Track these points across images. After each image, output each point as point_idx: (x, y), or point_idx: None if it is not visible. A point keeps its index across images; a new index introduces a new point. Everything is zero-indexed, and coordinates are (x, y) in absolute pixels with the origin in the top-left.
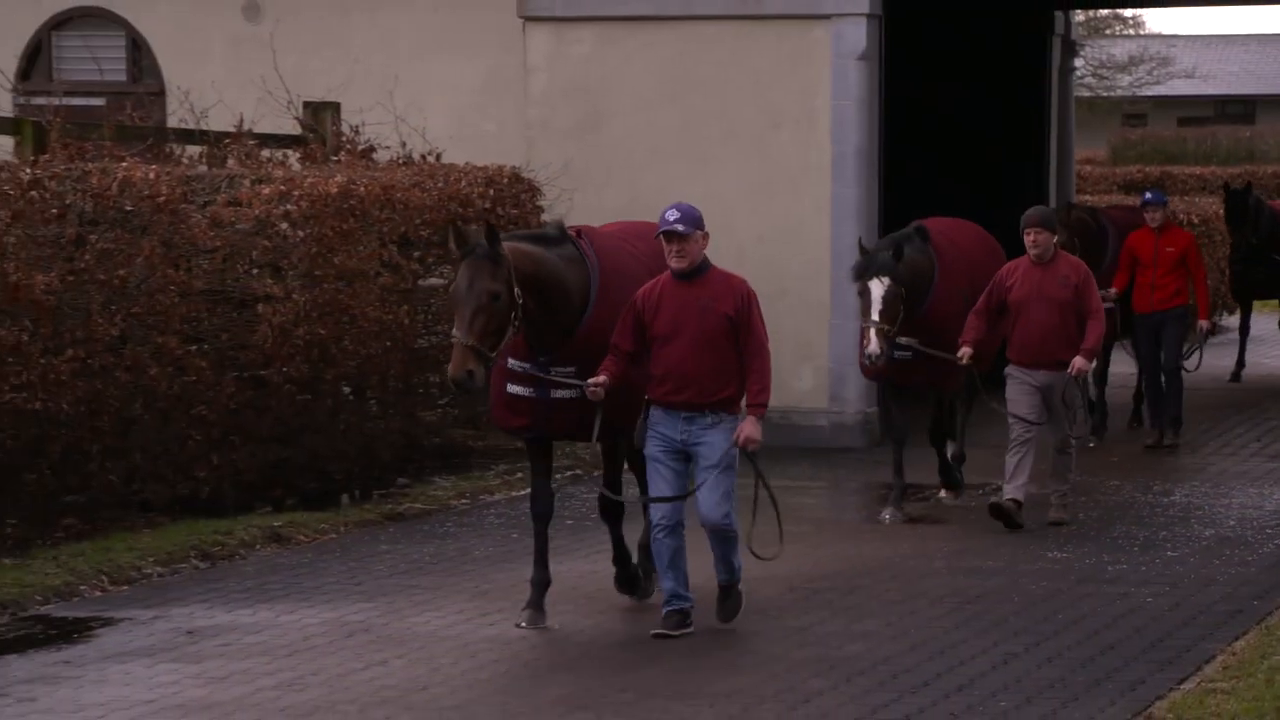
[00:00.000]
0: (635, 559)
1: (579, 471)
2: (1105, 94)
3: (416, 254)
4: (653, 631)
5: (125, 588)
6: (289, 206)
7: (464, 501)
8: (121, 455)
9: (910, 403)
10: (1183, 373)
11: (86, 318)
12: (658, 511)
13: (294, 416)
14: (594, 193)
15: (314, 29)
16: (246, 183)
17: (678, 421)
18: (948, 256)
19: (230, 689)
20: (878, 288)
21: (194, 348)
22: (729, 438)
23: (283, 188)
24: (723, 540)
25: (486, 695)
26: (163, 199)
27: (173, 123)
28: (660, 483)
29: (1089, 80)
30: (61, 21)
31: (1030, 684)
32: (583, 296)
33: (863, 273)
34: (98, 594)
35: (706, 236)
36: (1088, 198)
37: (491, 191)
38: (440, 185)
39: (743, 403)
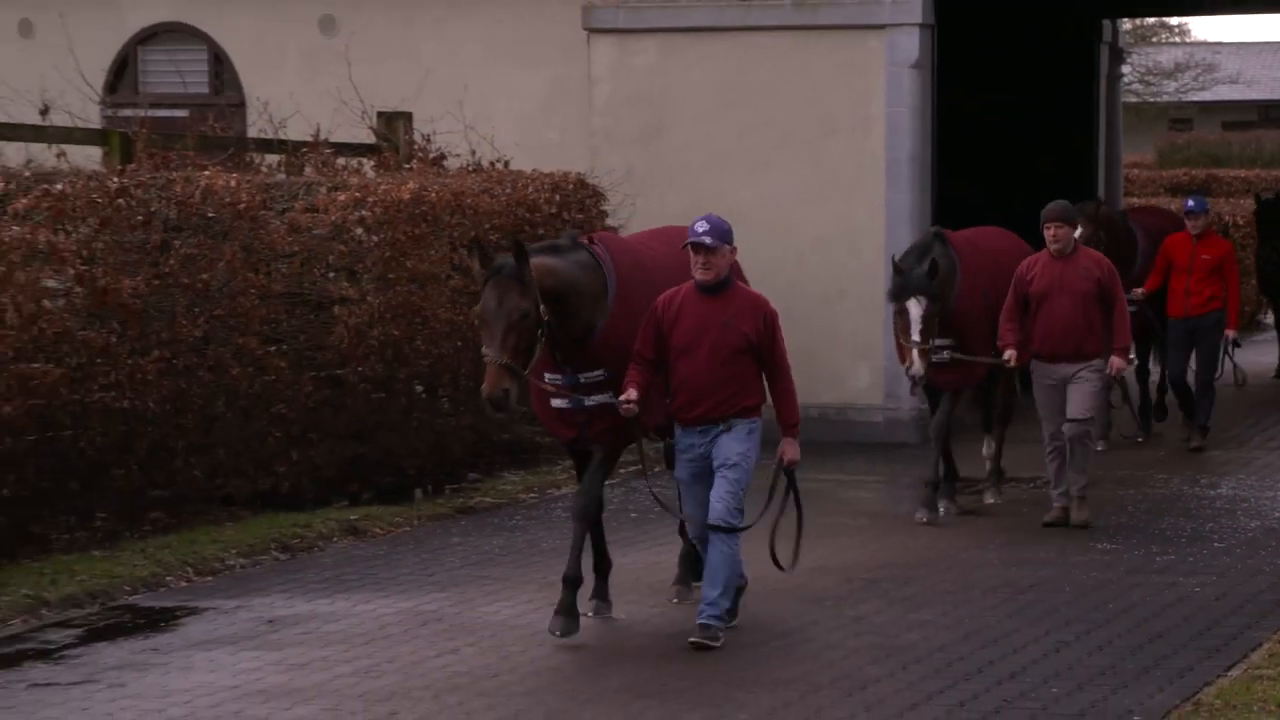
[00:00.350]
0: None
1: (639, 465)
2: (1152, 100)
3: None
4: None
5: (209, 578)
6: (364, 212)
7: (532, 495)
8: (205, 451)
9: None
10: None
11: (171, 320)
12: (694, 528)
13: (369, 414)
14: (656, 198)
15: (386, 41)
16: (323, 190)
17: (694, 436)
18: (968, 257)
19: (310, 675)
20: (915, 308)
21: (273, 348)
22: (743, 440)
23: (358, 194)
24: (722, 546)
25: (555, 683)
26: (243, 206)
27: (253, 133)
28: (692, 503)
29: (1136, 86)
30: (147, 37)
31: (1081, 671)
32: (600, 300)
33: (900, 293)
34: (183, 584)
35: (734, 251)
36: (1134, 200)
37: (558, 197)
38: (508, 191)
39: (759, 406)
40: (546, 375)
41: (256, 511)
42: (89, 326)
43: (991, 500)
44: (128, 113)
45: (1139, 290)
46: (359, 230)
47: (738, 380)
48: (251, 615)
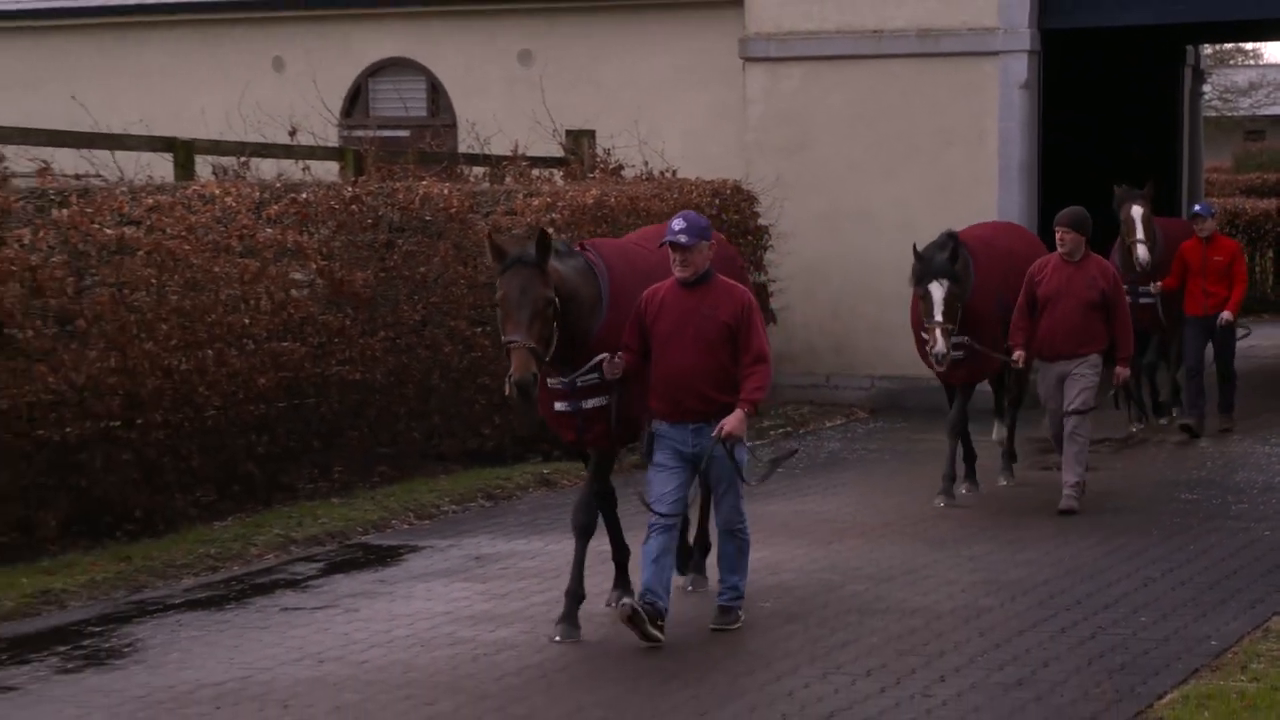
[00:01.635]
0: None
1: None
2: (1229, 114)
3: None
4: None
5: (427, 522)
6: (554, 215)
7: None
8: (423, 417)
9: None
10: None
11: (395, 306)
12: (660, 507)
13: None
14: (801, 201)
15: (574, 71)
16: (520, 196)
17: (686, 434)
18: (980, 257)
19: (509, 604)
20: (938, 290)
21: (480, 329)
22: (737, 452)
23: (549, 200)
24: (732, 544)
25: (711, 611)
26: (454, 210)
27: (462, 149)
28: (663, 485)
29: (1215, 103)
30: (376, 69)
31: (1166, 603)
32: (595, 304)
33: (922, 277)
34: (405, 527)
35: (713, 247)
36: (1214, 200)
37: (717, 201)
38: (675, 196)
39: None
40: (550, 380)
41: (466, 466)
42: (328, 312)
43: (1004, 482)
44: (360, 133)
45: (1157, 284)
46: (550, 230)
47: (719, 371)
48: (462, 553)
